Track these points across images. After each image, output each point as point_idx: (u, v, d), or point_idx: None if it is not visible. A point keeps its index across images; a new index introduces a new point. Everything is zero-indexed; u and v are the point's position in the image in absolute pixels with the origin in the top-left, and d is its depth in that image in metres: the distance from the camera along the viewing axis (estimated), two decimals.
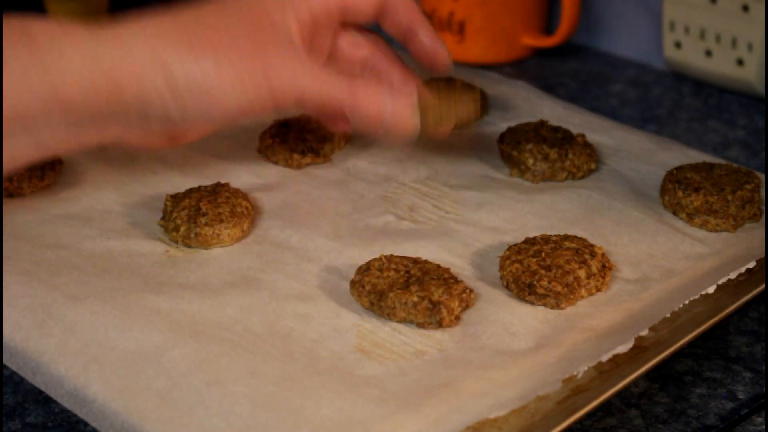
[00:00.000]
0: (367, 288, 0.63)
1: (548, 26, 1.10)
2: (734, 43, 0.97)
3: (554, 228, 0.71)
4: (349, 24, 0.70)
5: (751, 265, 0.66)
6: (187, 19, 0.63)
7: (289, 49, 0.64)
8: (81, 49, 0.60)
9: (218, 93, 0.61)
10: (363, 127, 0.66)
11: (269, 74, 0.62)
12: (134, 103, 0.61)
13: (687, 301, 0.64)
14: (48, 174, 0.75)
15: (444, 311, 0.62)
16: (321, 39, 0.69)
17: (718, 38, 0.98)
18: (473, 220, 0.73)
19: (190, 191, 0.72)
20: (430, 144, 0.80)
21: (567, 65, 1.08)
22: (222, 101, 0.61)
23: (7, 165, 0.60)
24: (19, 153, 0.60)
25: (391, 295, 0.62)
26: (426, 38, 0.71)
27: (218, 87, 0.61)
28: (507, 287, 0.66)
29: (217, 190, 0.71)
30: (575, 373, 0.58)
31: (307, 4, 0.66)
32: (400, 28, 0.71)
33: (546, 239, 0.67)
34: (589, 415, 0.57)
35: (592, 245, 0.67)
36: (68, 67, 0.59)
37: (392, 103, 0.65)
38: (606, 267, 0.66)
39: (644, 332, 0.61)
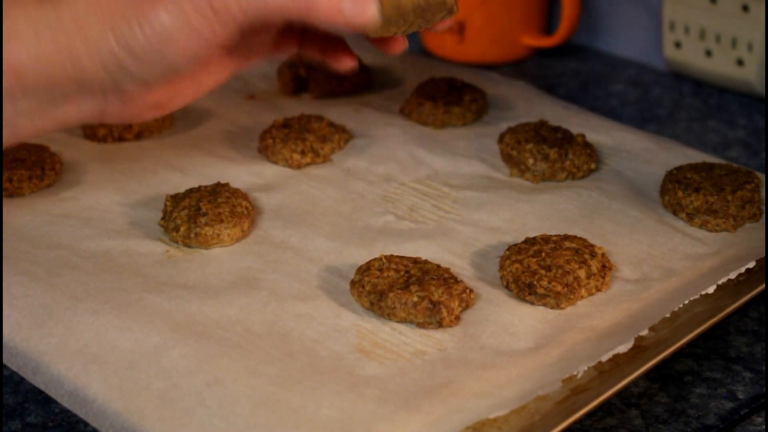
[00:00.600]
0: (367, 288, 0.63)
1: (548, 26, 1.10)
2: (734, 43, 0.97)
3: (554, 228, 0.71)
4: None
5: (751, 265, 0.66)
6: None
7: None
8: (31, 18, 0.60)
9: (168, 33, 0.60)
10: (324, 25, 0.63)
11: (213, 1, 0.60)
12: (92, 68, 0.61)
13: (687, 301, 0.64)
14: (48, 174, 0.75)
15: (444, 311, 0.62)
16: None
17: (718, 38, 0.98)
18: (473, 220, 0.73)
19: (190, 191, 0.72)
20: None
21: (567, 65, 1.08)
22: (174, 41, 0.60)
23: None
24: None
25: (391, 295, 0.62)
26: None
27: (166, 28, 0.60)
28: (507, 287, 0.66)
29: (217, 190, 0.71)
30: (575, 373, 0.58)
31: None
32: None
33: (546, 239, 0.67)
34: (589, 415, 0.57)
35: (592, 245, 0.67)
36: (19, 37, 0.60)
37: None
38: (606, 267, 0.66)
39: (644, 332, 0.61)
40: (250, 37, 0.67)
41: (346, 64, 0.70)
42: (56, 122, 0.63)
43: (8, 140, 0.62)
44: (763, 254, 0.68)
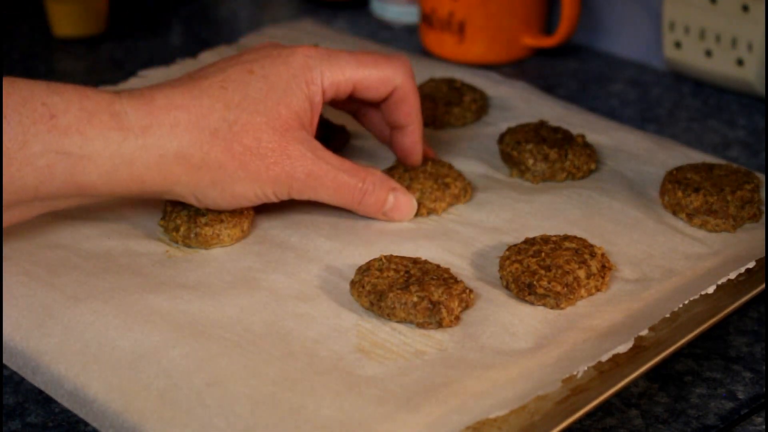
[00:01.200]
0: (367, 288, 0.63)
1: (548, 26, 1.10)
2: (734, 43, 0.97)
3: (554, 228, 0.71)
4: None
5: (751, 265, 0.66)
6: (214, 104, 0.66)
7: (309, 148, 0.68)
8: (104, 136, 0.63)
9: (240, 196, 0.68)
10: (365, 215, 0.72)
11: (291, 183, 0.68)
12: (155, 192, 0.66)
13: (687, 301, 0.64)
14: None
15: (444, 311, 0.62)
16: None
17: (718, 38, 0.98)
18: (473, 221, 0.73)
19: None
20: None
21: (567, 65, 1.08)
22: (242, 201, 0.68)
23: (17, 219, 0.65)
24: (31, 213, 0.65)
25: (391, 295, 0.62)
26: (410, 136, 0.74)
27: (241, 193, 0.68)
28: (507, 287, 0.66)
29: None
30: (575, 373, 0.58)
31: (321, 90, 0.70)
32: (394, 118, 0.74)
33: (546, 239, 0.67)
34: (588, 415, 0.57)
35: (591, 245, 0.67)
36: (90, 154, 0.62)
37: (393, 202, 0.71)
38: (606, 267, 0.66)
39: (644, 332, 0.61)
40: None
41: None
42: (63, 206, 0.67)
43: (17, 221, 0.65)
44: (762, 254, 0.68)
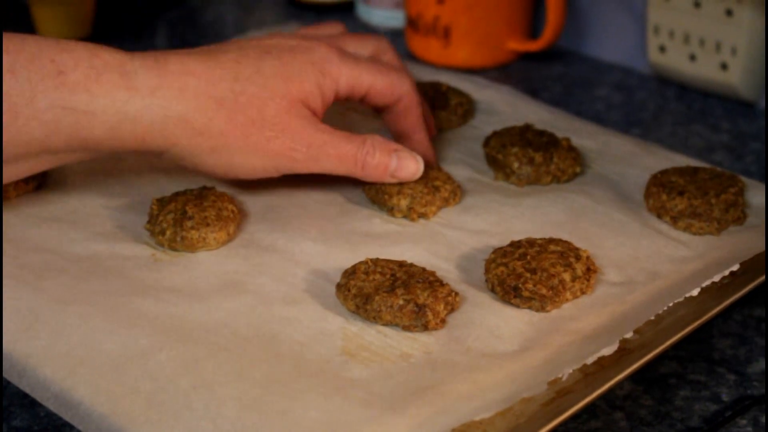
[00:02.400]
0: (353, 291, 0.63)
1: (533, 31, 1.10)
2: (718, 47, 0.98)
3: (539, 231, 0.71)
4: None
5: (735, 268, 0.67)
6: (225, 75, 0.68)
7: (310, 122, 0.70)
8: (111, 94, 0.65)
9: (239, 167, 0.69)
10: (372, 179, 0.73)
11: (293, 156, 0.69)
12: (156, 151, 0.68)
13: (671, 304, 0.64)
14: (34, 177, 0.75)
15: (429, 314, 0.62)
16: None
17: (702, 42, 0.99)
18: (459, 224, 0.73)
19: (176, 195, 0.72)
20: None
21: (552, 69, 1.08)
22: (240, 172, 0.70)
23: (25, 172, 0.67)
24: (38, 166, 0.67)
25: (377, 298, 0.62)
26: (416, 144, 0.77)
27: (240, 164, 0.69)
28: (492, 290, 0.66)
29: (204, 193, 0.71)
30: (560, 375, 0.58)
31: (336, 87, 0.72)
32: (399, 127, 0.76)
33: (531, 242, 0.68)
34: (573, 417, 0.57)
35: (577, 248, 0.67)
36: (95, 110, 0.65)
37: (397, 162, 0.72)
38: (591, 270, 0.66)
39: (629, 335, 0.61)
40: None
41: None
42: (70, 161, 0.69)
43: (24, 173, 0.67)
44: (746, 257, 0.68)
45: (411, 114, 0.76)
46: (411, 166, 0.72)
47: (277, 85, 0.69)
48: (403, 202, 0.73)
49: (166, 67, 0.67)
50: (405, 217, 0.73)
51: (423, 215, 0.73)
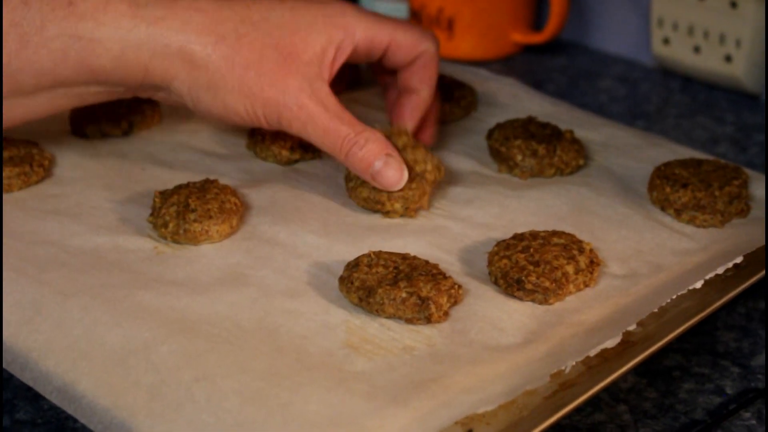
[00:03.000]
0: (356, 284, 0.63)
1: (537, 23, 1.10)
2: (722, 39, 0.97)
3: (542, 224, 0.71)
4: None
5: (739, 260, 0.66)
6: (232, 16, 0.69)
7: (310, 83, 0.70)
8: (117, 22, 0.67)
9: (231, 109, 0.69)
10: (353, 171, 0.72)
11: (281, 111, 0.69)
12: (158, 83, 0.69)
13: (675, 297, 0.64)
14: (36, 171, 0.75)
15: (432, 307, 0.62)
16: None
17: (706, 34, 0.98)
18: (462, 216, 0.73)
19: (179, 187, 0.72)
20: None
21: (556, 62, 1.08)
22: (233, 115, 0.70)
23: (48, 109, 0.69)
24: (58, 102, 0.69)
25: (380, 291, 0.62)
26: (421, 101, 0.76)
27: (233, 106, 0.69)
28: (495, 283, 0.66)
29: (206, 186, 0.71)
30: (563, 368, 0.58)
31: (353, 41, 0.72)
32: (412, 82, 0.76)
33: (534, 235, 0.67)
34: (577, 410, 0.57)
35: (580, 241, 0.67)
36: (100, 38, 0.66)
37: (382, 165, 0.70)
38: (594, 262, 0.66)
39: (632, 327, 0.61)
40: None
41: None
42: (110, 97, 0.71)
43: (47, 110, 0.70)
44: (750, 249, 0.68)
45: (428, 69, 0.75)
46: (393, 176, 0.71)
47: (282, 36, 0.69)
48: (398, 205, 0.72)
49: (176, 1, 0.68)
50: (403, 216, 0.73)
51: (421, 207, 0.73)
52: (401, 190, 0.72)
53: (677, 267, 0.68)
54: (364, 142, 0.70)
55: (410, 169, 0.72)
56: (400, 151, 0.73)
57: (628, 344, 0.60)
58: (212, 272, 0.67)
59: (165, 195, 0.71)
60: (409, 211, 0.72)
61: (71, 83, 0.68)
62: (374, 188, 0.72)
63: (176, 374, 0.58)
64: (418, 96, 0.76)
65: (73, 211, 0.72)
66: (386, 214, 0.72)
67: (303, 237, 0.70)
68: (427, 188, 0.73)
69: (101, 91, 0.70)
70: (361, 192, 0.72)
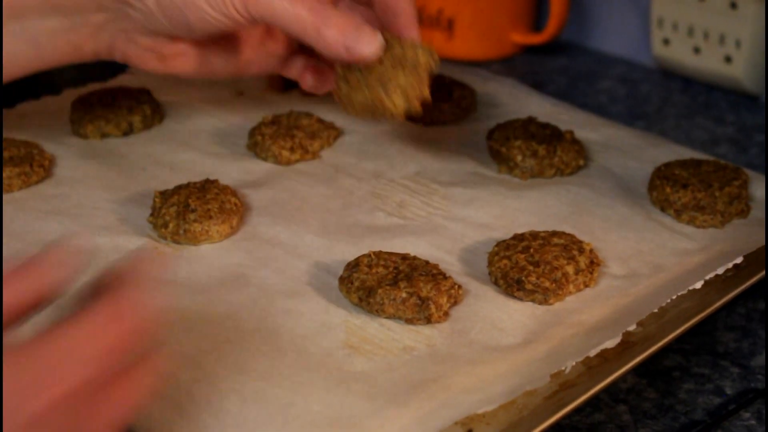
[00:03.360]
0: (356, 284, 0.63)
1: (537, 23, 1.10)
2: (722, 40, 0.97)
3: (543, 224, 0.71)
4: None
5: (739, 260, 0.66)
6: None
7: None
8: None
9: (199, 6, 0.68)
10: (326, 51, 0.68)
11: (242, 7, 0.67)
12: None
13: (674, 297, 0.64)
14: (37, 171, 0.75)
15: (432, 307, 0.62)
16: None
17: (706, 35, 0.98)
18: (462, 217, 0.73)
19: (179, 188, 0.72)
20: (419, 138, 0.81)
21: (556, 62, 1.08)
22: (201, 14, 0.68)
23: (8, 70, 0.68)
24: (19, 57, 0.68)
25: (380, 291, 0.62)
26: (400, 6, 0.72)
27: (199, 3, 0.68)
28: (495, 283, 0.66)
29: (206, 186, 0.71)
30: (563, 368, 0.58)
31: None
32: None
33: (534, 235, 0.67)
34: (577, 410, 0.57)
35: (580, 241, 0.67)
36: None
37: (354, 33, 0.67)
38: (594, 263, 0.66)
39: (632, 327, 0.61)
40: (264, 45, 0.75)
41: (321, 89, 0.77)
42: (72, 49, 0.70)
43: (31, 63, 0.70)
44: (750, 250, 0.68)
45: None
46: (368, 41, 0.67)
47: None
48: (398, 98, 0.68)
49: None
50: (410, 118, 0.68)
51: (423, 98, 0.69)
52: (396, 79, 0.68)
53: (677, 267, 0.68)
54: (332, 17, 0.67)
55: (402, 61, 0.69)
56: (387, 49, 0.69)
57: (628, 344, 0.60)
58: (212, 272, 0.67)
59: (165, 195, 0.71)
60: (411, 103, 0.68)
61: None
62: (368, 88, 0.69)
63: (176, 374, 0.58)
64: (397, 5, 0.72)
65: (73, 212, 0.72)
66: (391, 117, 0.69)
67: (303, 237, 0.70)
68: (424, 75, 0.69)
69: (62, 27, 0.69)
70: (355, 96, 0.69)
